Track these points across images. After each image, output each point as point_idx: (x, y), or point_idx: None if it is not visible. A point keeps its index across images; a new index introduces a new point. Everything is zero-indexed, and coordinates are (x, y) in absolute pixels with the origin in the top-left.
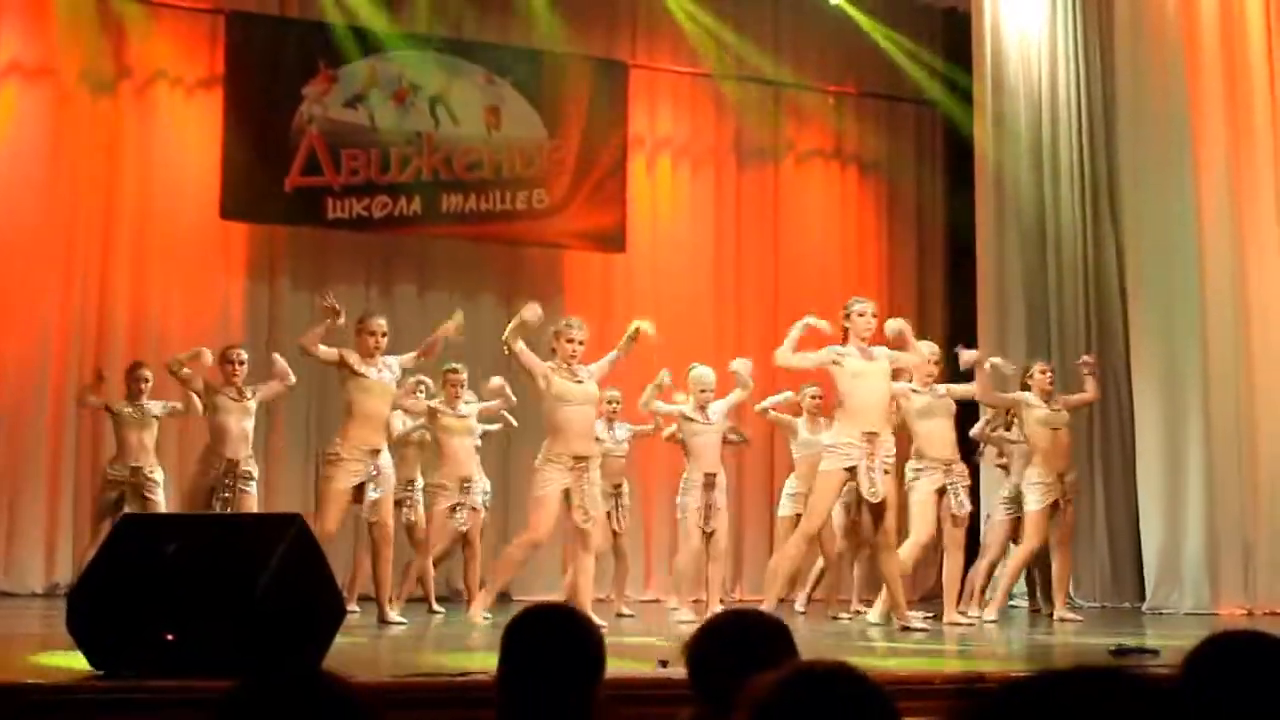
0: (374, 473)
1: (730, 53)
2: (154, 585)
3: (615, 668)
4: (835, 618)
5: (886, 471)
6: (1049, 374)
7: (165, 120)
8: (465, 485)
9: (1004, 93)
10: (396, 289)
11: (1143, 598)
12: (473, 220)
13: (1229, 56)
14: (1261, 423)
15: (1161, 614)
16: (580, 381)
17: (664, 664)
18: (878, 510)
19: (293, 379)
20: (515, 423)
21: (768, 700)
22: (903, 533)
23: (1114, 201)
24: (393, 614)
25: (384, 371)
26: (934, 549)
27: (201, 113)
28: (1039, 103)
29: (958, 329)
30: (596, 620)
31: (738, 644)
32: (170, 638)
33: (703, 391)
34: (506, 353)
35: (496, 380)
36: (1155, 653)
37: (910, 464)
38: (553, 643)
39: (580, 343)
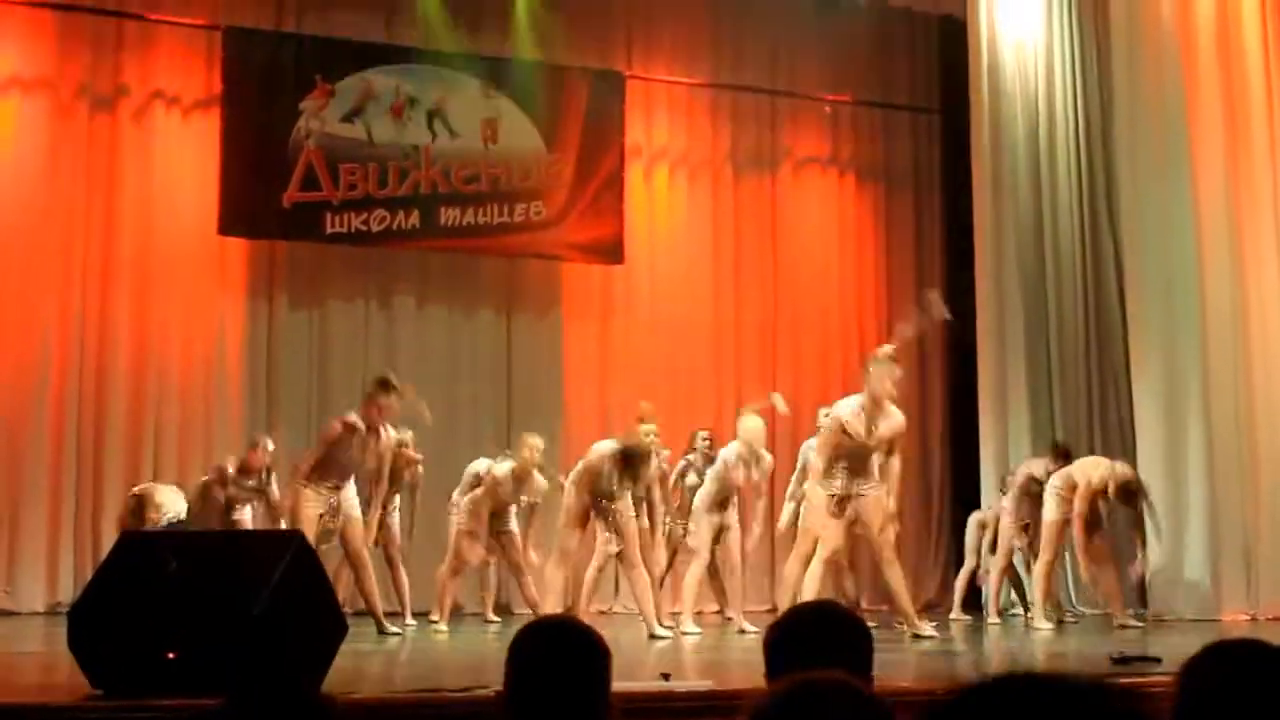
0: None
1: (726, 62)
2: (155, 603)
3: (618, 681)
4: None
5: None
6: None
7: (163, 136)
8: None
9: (1001, 99)
10: (395, 303)
11: (1144, 604)
12: (471, 233)
13: (1225, 59)
14: (1262, 426)
15: (1163, 621)
16: None
17: (666, 676)
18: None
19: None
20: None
21: (767, 712)
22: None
23: (1112, 207)
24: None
25: None
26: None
27: (199, 128)
28: (1036, 109)
29: (956, 336)
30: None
31: (814, 636)
32: (171, 656)
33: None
34: None
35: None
36: (1157, 660)
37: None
38: (558, 656)
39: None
